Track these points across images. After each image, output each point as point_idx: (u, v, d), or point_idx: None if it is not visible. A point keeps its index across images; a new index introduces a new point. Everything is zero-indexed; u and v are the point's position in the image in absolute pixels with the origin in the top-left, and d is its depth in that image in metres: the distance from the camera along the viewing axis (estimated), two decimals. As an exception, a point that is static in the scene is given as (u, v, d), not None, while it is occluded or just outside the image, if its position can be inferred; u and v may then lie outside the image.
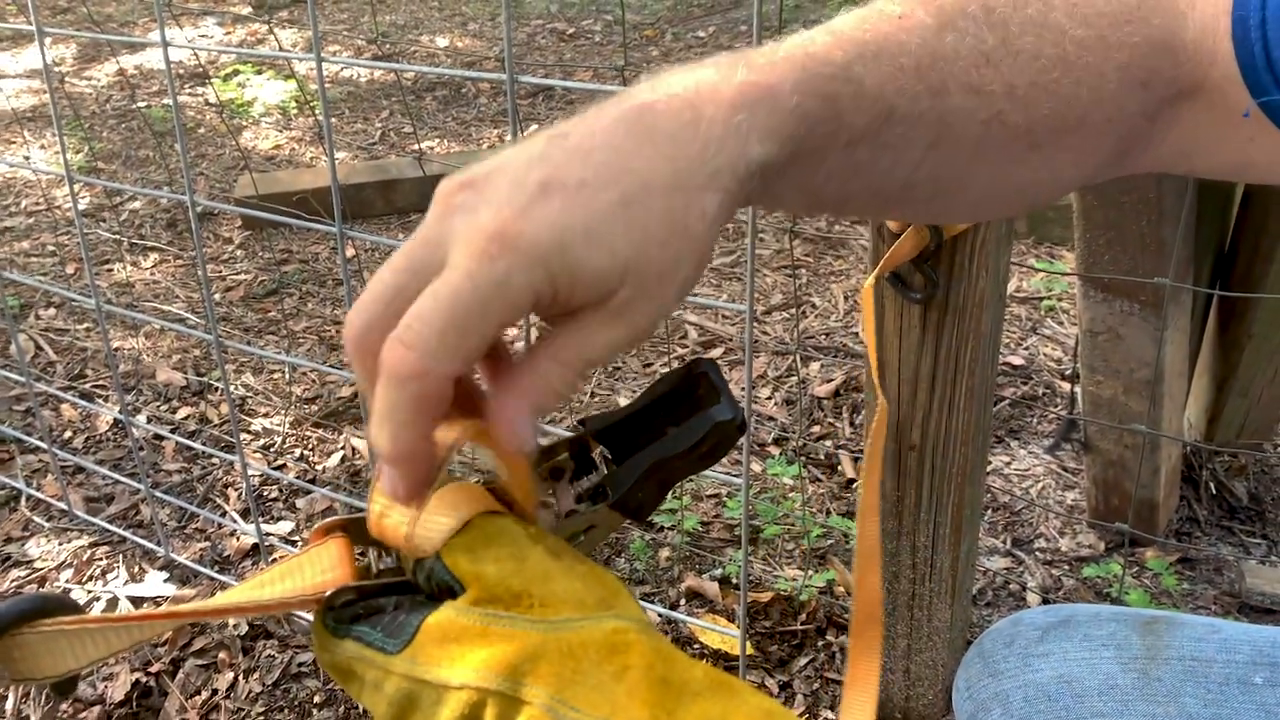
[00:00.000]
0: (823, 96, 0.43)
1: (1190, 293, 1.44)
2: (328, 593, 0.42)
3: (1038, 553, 1.61)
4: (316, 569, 0.43)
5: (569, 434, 0.47)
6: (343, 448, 1.89)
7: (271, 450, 1.89)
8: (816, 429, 1.90)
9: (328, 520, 0.45)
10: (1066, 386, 1.97)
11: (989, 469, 1.77)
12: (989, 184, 0.50)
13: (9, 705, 1.37)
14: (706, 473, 1.08)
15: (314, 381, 2.09)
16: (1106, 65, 0.47)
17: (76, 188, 1.37)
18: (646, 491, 0.44)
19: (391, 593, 0.42)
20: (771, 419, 1.93)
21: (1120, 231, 1.33)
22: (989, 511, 1.69)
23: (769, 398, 1.99)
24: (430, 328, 0.36)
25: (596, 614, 0.38)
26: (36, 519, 1.73)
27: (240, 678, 1.43)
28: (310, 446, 1.90)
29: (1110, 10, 0.47)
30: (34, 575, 1.61)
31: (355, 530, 0.45)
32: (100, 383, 2.12)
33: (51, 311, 2.40)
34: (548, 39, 4.39)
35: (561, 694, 0.36)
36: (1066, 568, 1.58)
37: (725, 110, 0.40)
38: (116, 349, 2.22)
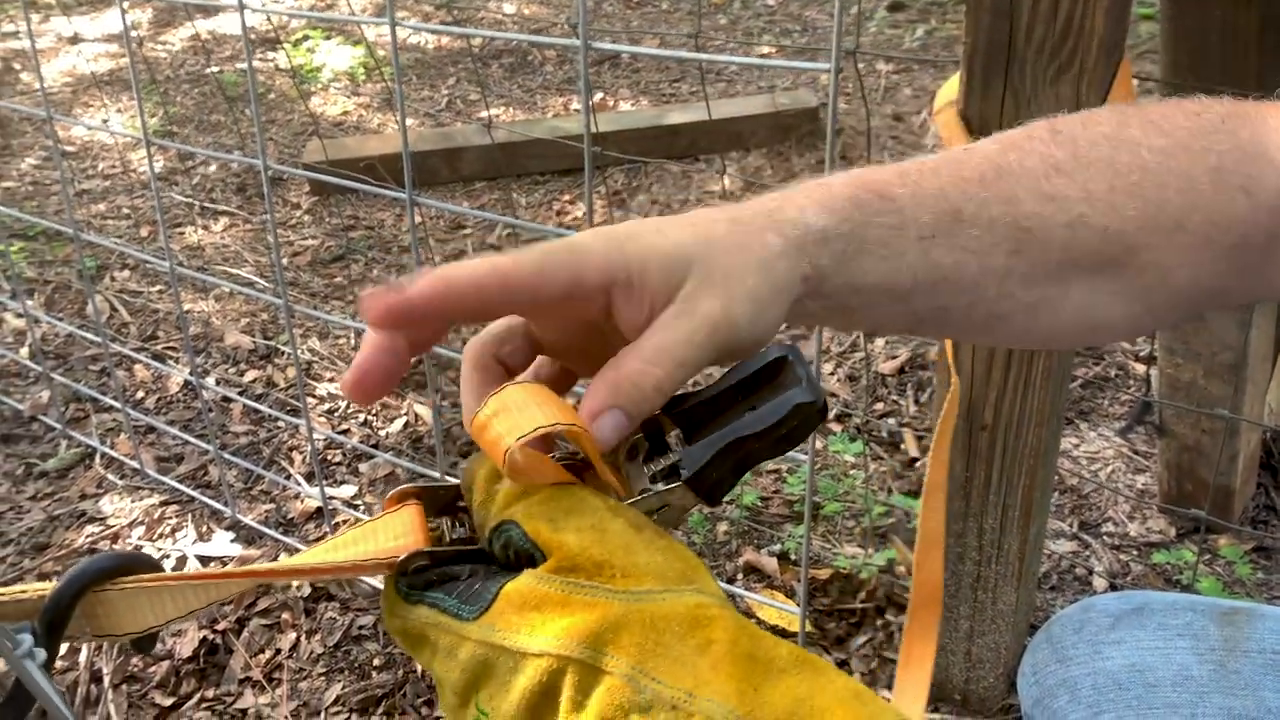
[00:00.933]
0: (877, 191, 0.47)
1: None
2: (400, 558, 0.42)
3: (1105, 537, 1.57)
4: (390, 534, 0.43)
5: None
6: (405, 414, 1.91)
7: (336, 415, 1.92)
8: (880, 406, 1.87)
9: (402, 487, 0.45)
10: (1140, 368, 1.91)
11: (1059, 451, 1.73)
12: (1090, 293, 0.49)
13: (82, 658, 1.42)
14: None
15: (378, 347, 2.11)
16: (1195, 169, 0.47)
17: (151, 151, 1.39)
18: (721, 471, 0.43)
19: (465, 561, 0.42)
20: (834, 395, 1.91)
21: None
22: (1056, 494, 1.65)
23: (832, 374, 1.96)
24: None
25: (679, 587, 0.38)
26: (110, 476, 1.78)
27: (302, 638, 1.45)
28: (374, 412, 1.92)
29: (1190, 125, 0.48)
30: (107, 532, 1.66)
31: (429, 499, 0.45)
32: (172, 345, 2.17)
33: (126, 273, 2.45)
34: (614, 6, 4.36)
35: (643, 665, 0.35)
36: (1135, 553, 1.54)
37: (779, 193, 0.46)
38: (187, 311, 2.26)
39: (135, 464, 1.77)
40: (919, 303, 0.48)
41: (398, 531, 0.43)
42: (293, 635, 1.46)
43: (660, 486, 0.44)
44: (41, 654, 0.39)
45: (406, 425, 1.88)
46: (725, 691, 0.34)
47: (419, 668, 1.39)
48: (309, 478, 1.75)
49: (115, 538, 1.64)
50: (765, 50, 3.56)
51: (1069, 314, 0.49)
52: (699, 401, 0.45)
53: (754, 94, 3.22)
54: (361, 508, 1.68)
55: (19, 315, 2.23)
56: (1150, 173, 0.47)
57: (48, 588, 0.40)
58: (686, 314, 0.42)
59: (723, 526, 1.60)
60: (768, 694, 0.35)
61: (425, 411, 1.88)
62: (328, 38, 3.93)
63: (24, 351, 2.13)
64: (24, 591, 0.41)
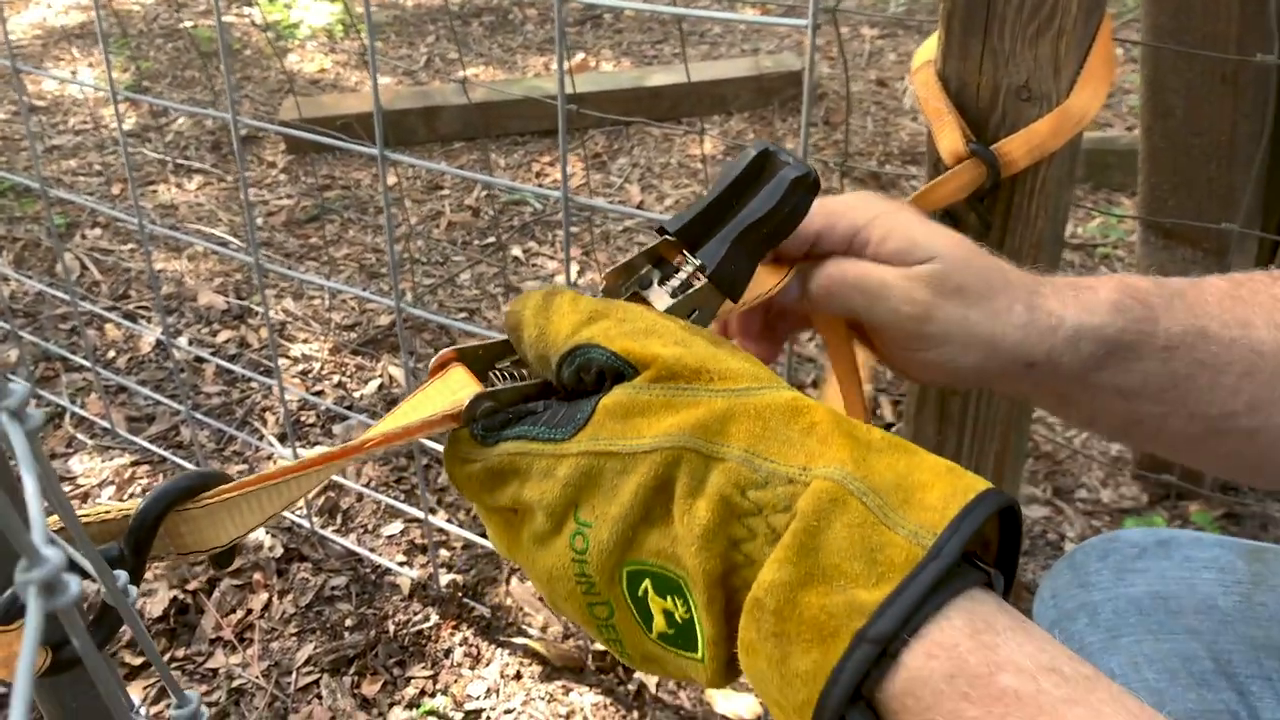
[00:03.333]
0: (1138, 299, 0.50)
1: (1256, 241, 1.38)
2: (465, 404, 0.42)
3: (1079, 503, 1.58)
4: (447, 393, 0.44)
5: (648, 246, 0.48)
6: (380, 375, 1.89)
7: (310, 376, 1.90)
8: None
9: (443, 352, 0.46)
10: (1118, 336, 1.91)
11: (1033, 417, 1.73)
12: None
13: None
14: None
15: (353, 308, 2.09)
16: None
17: (122, 106, 1.36)
18: (739, 263, 0.45)
19: (528, 400, 0.43)
20: (811, 360, 1.90)
21: (1187, 176, 1.27)
22: (1031, 460, 1.66)
23: (810, 339, 1.96)
24: None
25: (772, 384, 0.39)
26: (80, 436, 1.76)
27: (274, 598, 1.45)
28: (348, 373, 1.90)
29: None
30: (76, 491, 1.64)
31: (470, 358, 0.46)
32: (143, 304, 2.14)
33: (97, 231, 2.41)
34: (597, -35, 4.30)
35: (755, 448, 0.37)
36: (1107, 518, 1.55)
37: (1049, 280, 0.52)
38: (160, 270, 2.23)
39: (106, 424, 1.75)
40: (1142, 406, 0.50)
41: (454, 388, 0.44)
42: (264, 595, 1.45)
43: (685, 297, 0.45)
44: (134, 591, 0.39)
45: (381, 387, 1.87)
46: (840, 458, 0.36)
47: (391, 628, 1.39)
48: (282, 439, 1.74)
49: (85, 497, 1.63)
50: (750, 11, 3.52)
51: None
52: (694, 216, 0.46)
53: (738, 57, 3.18)
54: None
55: (-13, 272, 2.20)
56: None
57: (131, 507, 0.41)
58: (902, 274, 0.49)
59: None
60: (874, 464, 0.36)
61: (399, 373, 1.86)
62: (305, -7, 3.86)
63: (-8, 309, 2.10)
64: (108, 512, 0.41)
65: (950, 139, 0.85)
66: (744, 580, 0.36)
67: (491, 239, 2.33)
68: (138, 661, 1.36)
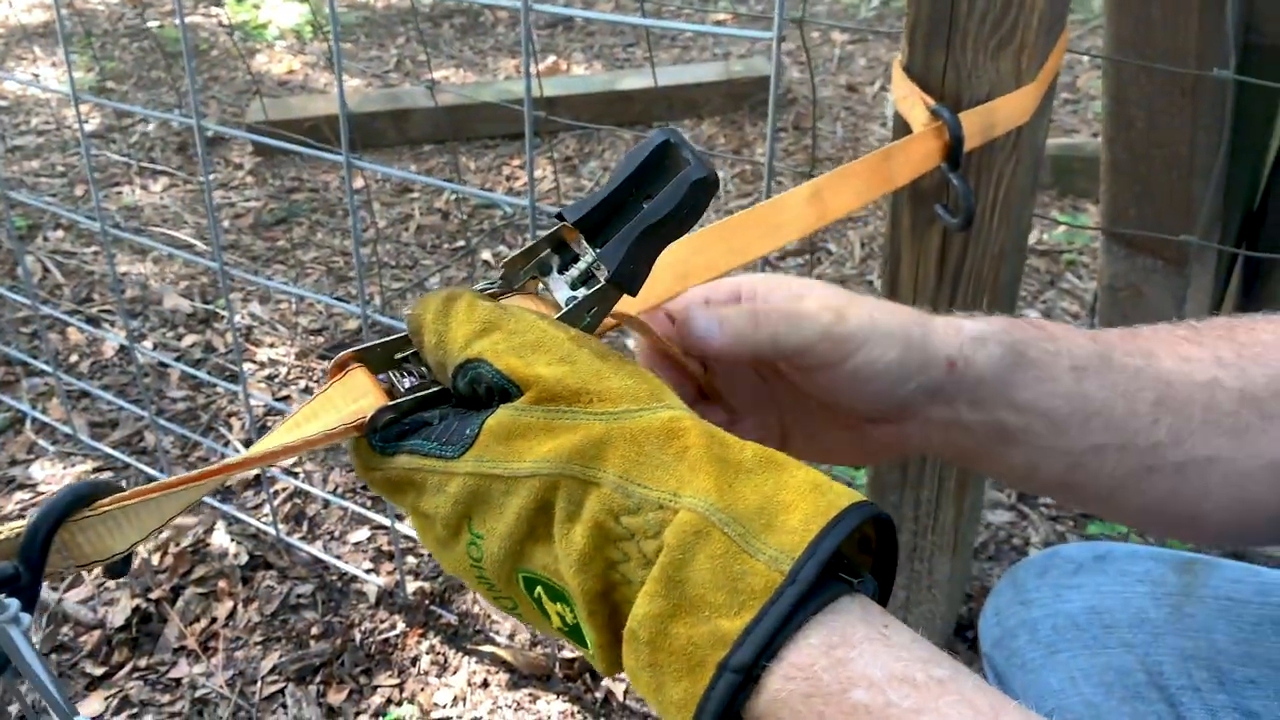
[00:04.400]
0: (1034, 325, 0.53)
1: (1215, 252, 1.40)
2: (367, 416, 0.43)
3: (1042, 508, 1.60)
4: (348, 399, 0.45)
5: (546, 231, 0.49)
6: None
7: (276, 381, 1.89)
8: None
9: (339, 356, 0.47)
10: (1082, 342, 1.93)
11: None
12: (1235, 464, 0.52)
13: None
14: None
15: (320, 313, 2.08)
16: None
17: (84, 108, 1.34)
18: (637, 263, 0.46)
19: (428, 407, 0.44)
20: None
21: (1148, 186, 1.29)
22: (996, 466, 1.67)
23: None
24: None
25: (651, 405, 0.40)
26: (41, 442, 1.73)
27: (239, 606, 1.43)
28: (315, 378, 1.89)
29: None
30: (37, 498, 1.62)
31: (370, 359, 0.47)
32: (107, 307, 2.11)
33: (60, 233, 2.38)
34: (569, -32, 4.29)
35: (629, 474, 0.38)
36: (1071, 524, 1.57)
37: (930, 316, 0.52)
38: (124, 274, 2.21)
39: (68, 429, 1.72)
40: (1075, 438, 0.51)
41: (355, 394, 0.45)
42: (229, 604, 1.44)
43: (584, 291, 0.46)
44: (27, 620, 0.39)
45: (349, 392, 1.85)
46: (705, 488, 0.37)
47: (357, 636, 1.38)
48: (247, 444, 1.72)
49: (45, 505, 1.60)
50: (721, 17, 3.53)
51: (1217, 482, 0.52)
52: (596, 204, 0.46)
53: (709, 61, 3.19)
54: (301, 476, 1.66)
55: (-54, 275, 2.16)
56: (1270, 346, 0.52)
57: (22, 526, 0.40)
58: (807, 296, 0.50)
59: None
60: (740, 490, 0.38)
61: (368, 378, 1.85)
62: (274, -7, 3.83)
63: (-48, 313, 2.06)
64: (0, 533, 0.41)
65: (918, 111, 0.87)
66: (624, 597, 0.38)
67: (461, 243, 2.32)
68: (99, 671, 1.34)
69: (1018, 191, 0.94)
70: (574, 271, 0.47)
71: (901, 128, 0.92)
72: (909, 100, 0.89)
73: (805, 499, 0.37)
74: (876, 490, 1.18)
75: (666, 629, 0.36)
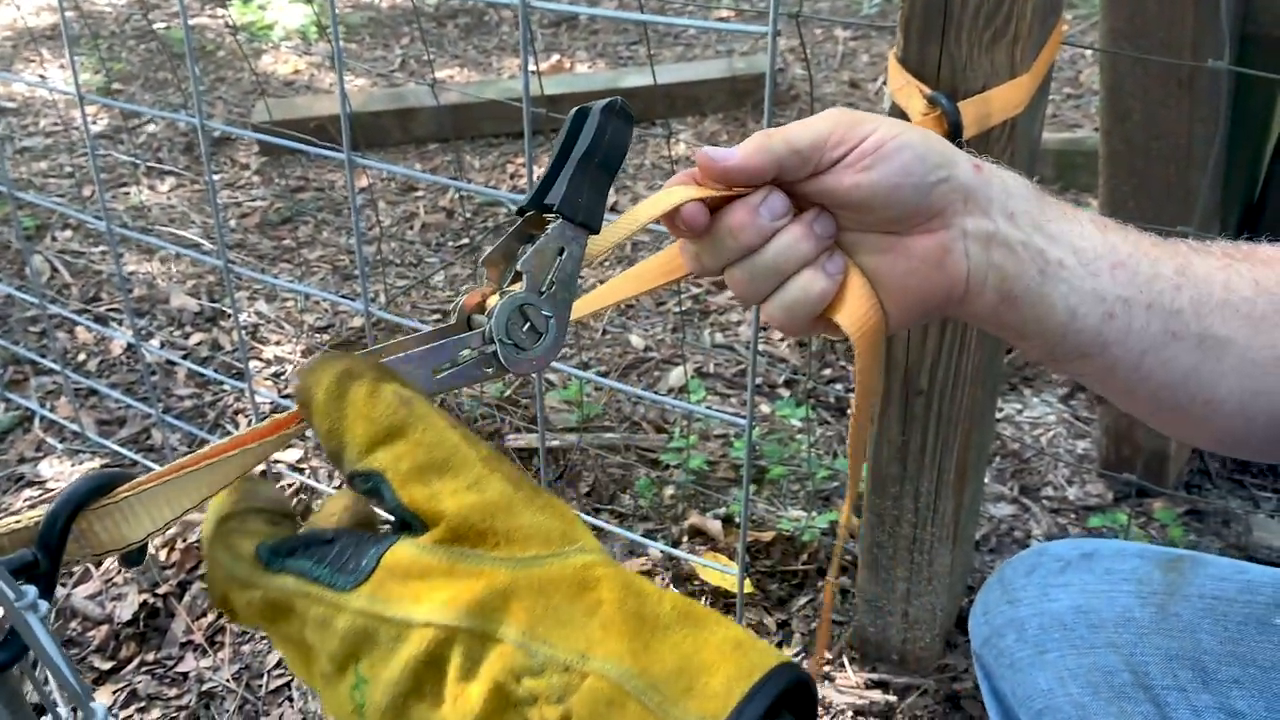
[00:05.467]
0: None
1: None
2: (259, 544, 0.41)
3: (1044, 501, 1.60)
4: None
5: (508, 230, 0.50)
6: (353, 377, 1.89)
7: (282, 379, 1.90)
8: (828, 372, 1.89)
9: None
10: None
11: (1000, 416, 1.75)
12: (1250, 344, 0.53)
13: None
14: (713, 412, 1.07)
15: (326, 310, 2.09)
16: None
17: (91, 109, 1.36)
18: (585, 194, 0.47)
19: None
20: (783, 361, 1.92)
21: (1146, 178, 1.29)
22: (997, 459, 1.68)
23: (781, 339, 1.97)
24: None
25: (563, 549, 0.37)
26: (50, 440, 1.75)
27: (246, 601, 1.45)
28: (321, 375, 1.90)
29: None
30: (46, 495, 1.63)
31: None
32: (114, 306, 2.13)
33: (68, 233, 2.40)
34: (572, -34, 4.30)
35: (534, 630, 0.35)
36: (1073, 516, 1.57)
37: None
38: (131, 273, 2.22)
39: (76, 427, 1.74)
40: (1105, 283, 0.52)
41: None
42: (236, 599, 1.45)
43: (544, 237, 0.47)
44: (44, 606, 0.38)
45: (354, 389, 1.86)
46: (618, 651, 0.35)
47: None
48: (254, 441, 1.73)
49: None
50: (724, 14, 3.54)
51: (1231, 365, 0.53)
52: (540, 186, 0.48)
53: (712, 58, 3.20)
54: (306, 471, 1.67)
55: (-44, 275, 2.18)
56: (1275, 258, 0.54)
57: (41, 514, 0.40)
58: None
59: (669, 490, 1.61)
60: (656, 650, 0.35)
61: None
62: (279, -6, 3.84)
63: (-39, 313, 2.08)
64: (18, 521, 0.41)
65: (915, 101, 0.88)
66: None
67: (465, 240, 2.34)
68: (107, 666, 1.35)
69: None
70: (530, 247, 0.48)
71: (898, 119, 0.93)
72: (905, 90, 0.90)
73: (727, 659, 0.34)
74: (878, 483, 1.19)
75: None
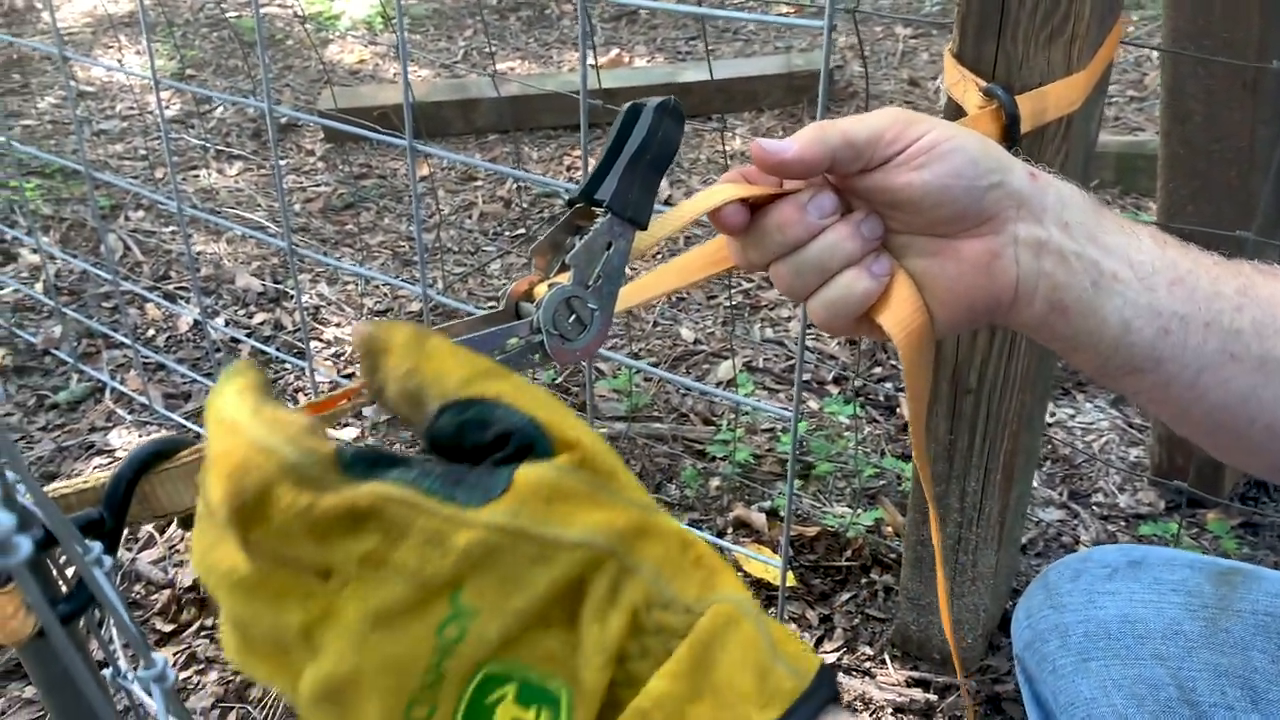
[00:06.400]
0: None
1: (1276, 249, 1.38)
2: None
3: (1094, 507, 1.59)
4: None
5: (560, 218, 0.51)
6: (409, 361, 1.93)
7: (341, 359, 1.95)
8: (878, 370, 1.89)
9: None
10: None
11: (1052, 420, 1.74)
12: None
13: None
14: (761, 406, 1.09)
15: (385, 294, 2.14)
16: None
17: (165, 94, 1.41)
18: (635, 191, 0.48)
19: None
20: (833, 358, 1.92)
21: (1206, 181, 1.28)
22: (1048, 463, 1.67)
23: (832, 337, 1.98)
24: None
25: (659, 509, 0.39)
26: (119, 411, 1.81)
27: (301, 573, 1.49)
28: (378, 358, 1.94)
29: None
30: (114, 463, 1.69)
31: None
32: (183, 285, 2.20)
33: (140, 213, 2.48)
34: (636, -39, 4.32)
35: (661, 571, 0.35)
36: (1123, 524, 1.56)
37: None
38: (199, 253, 2.29)
39: (144, 400, 1.80)
40: (1162, 298, 0.51)
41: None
42: (291, 571, 1.49)
43: (594, 229, 0.48)
44: (109, 561, 0.40)
45: (410, 372, 1.91)
46: (735, 584, 0.36)
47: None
48: (312, 420, 1.78)
49: (121, 470, 1.68)
50: (783, 9, 3.53)
51: None
52: (590, 179, 0.49)
53: (770, 54, 3.20)
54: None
55: (34, 251, 2.27)
56: None
57: (106, 477, 0.43)
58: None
59: (715, 482, 1.63)
60: (720, 589, 0.37)
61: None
62: (347, -15, 3.92)
63: (38, 287, 2.16)
64: (85, 483, 0.43)
65: (971, 95, 0.88)
66: (614, 699, 0.34)
67: (522, 230, 2.37)
68: (168, 629, 1.41)
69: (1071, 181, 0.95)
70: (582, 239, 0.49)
71: (953, 114, 0.94)
72: (961, 85, 0.90)
73: (793, 640, 0.37)
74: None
75: (684, 711, 0.33)
